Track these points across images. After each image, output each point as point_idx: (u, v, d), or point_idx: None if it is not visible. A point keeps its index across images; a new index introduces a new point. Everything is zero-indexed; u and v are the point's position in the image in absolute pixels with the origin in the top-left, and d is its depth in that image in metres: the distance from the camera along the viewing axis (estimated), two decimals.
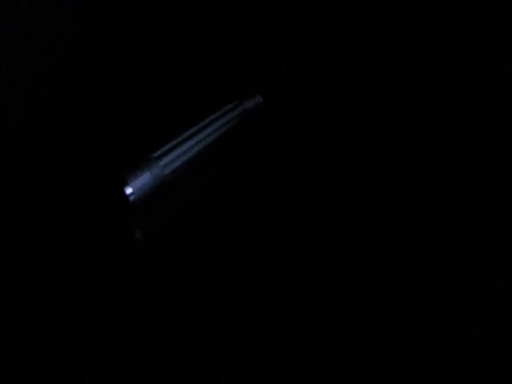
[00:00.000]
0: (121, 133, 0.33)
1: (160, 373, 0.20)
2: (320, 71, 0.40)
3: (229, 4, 0.45)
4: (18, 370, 0.20)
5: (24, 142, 0.32)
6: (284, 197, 0.29)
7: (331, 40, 0.43)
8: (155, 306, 0.23)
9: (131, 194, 0.27)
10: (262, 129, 0.34)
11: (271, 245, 0.26)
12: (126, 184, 0.27)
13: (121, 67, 0.40)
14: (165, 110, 0.35)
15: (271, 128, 0.34)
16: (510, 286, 0.23)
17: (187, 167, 0.30)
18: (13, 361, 0.21)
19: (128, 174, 0.27)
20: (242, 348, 0.21)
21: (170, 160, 0.28)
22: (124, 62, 0.40)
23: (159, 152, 0.28)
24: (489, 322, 0.22)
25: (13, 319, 0.22)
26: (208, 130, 0.31)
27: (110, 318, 0.22)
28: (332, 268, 0.24)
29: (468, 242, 0.26)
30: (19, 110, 0.33)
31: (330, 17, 0.44)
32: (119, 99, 0.36)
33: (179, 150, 0.29)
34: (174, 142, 0.29)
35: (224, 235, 0.26)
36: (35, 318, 0.22)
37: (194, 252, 0.25)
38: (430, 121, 0.34)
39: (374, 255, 0.25)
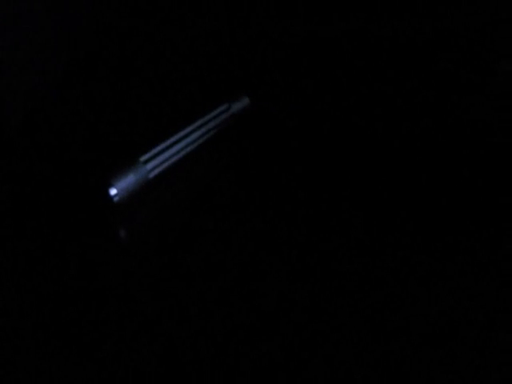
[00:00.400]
0: (108, 135, 0.33)
1: (150, 374, 0.20)
2: (309, 73, 0.41)
3: (218, 7, 0.45)
4: (6, 373, 0.20)
5: (16, 142, 0.33)
6: (271, 200, 0.29)
7: (321, 42, 0.44)
8: (140, 305, 0.23)
9: (115, 195, 0.27)
10: (249, 131, 0.35)
11: (257, 246, 0.26)
12: (110, 185, 0.27)
13: (111, 70, 0.40)
14: (152, 112, 0.36)
15: (259, 130, 0.35)
16: (509, 291, 0.24)
17: (174, 169, 0.31)
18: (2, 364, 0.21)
19: (113, 175, 0.27)
20: (235, 348, 0.21)
21: (157, 163, 0.29)
22: (114, 65, 0.41)
23: (146, 155, 0.29)
24: (487, 325, 0.22)
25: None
26: (196, 134, 0.31)
27: (95, 318, 0.22)
28: (326, 265, 0.25)
29: (465, 247, 0.26)
30: (16, 110, 0.33)
31: (320, 20, 0.44)
32: (107, 102, 0.37)
33: (166, 154, 0.29)
34: (162, 146, 0.30)
35: (209, 236, 0.27)
36: (21, 320, 0.22)
37: (177, 252, 0.26)
38: (422, 124, 0.35)
39: (371, 254, 0.25)
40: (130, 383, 0.19)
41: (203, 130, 0.32)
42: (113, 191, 0.27)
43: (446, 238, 0.27)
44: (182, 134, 0.31)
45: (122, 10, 0.47)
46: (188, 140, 0.31)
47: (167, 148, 0.29)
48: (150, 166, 0.28)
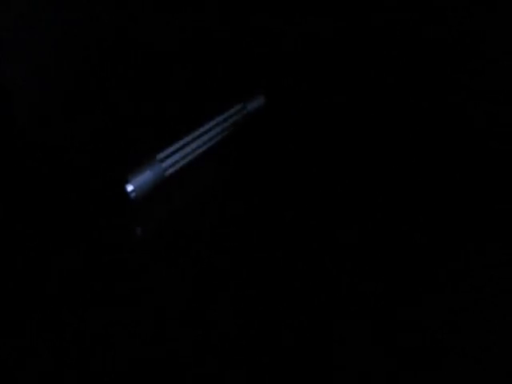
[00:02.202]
0: (126, 133, 0.34)
1: (164, 372, 0.21)
2: (326, 72, 0.41)
3: (235, 5, 0.46)
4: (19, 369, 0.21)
5: (29, 136, 0.34)
6: (287, 198, 0.29)
7: (338, 40, 0.44)
8: (155, 300, 0.24)
9: (132, 191, 0.28)
10: (265, 130, 0.35)
11: (270, 243, 0.26)
12: (127, 181, 0.28)
13: (129, 67, 0.41)
14: (169, 110, 0.36)
15: (274, 129, 0.35)
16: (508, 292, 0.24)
17: (189, 168, 0.31)
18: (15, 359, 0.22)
19: (130, 172, 0.28)
20: (244, 348, 0.22)
21: (173, 161, 0.30)
22: (131, 62, 0.41)
23: (162, 153, 0.29)
24: (487, 326, 0.22)
25: (12, 317, 0.23)
26: (211, 133, 0.32)
27: (110, 314, 0.23)
28: (330, 265, 0.25)
29: (466, 247, 0.26)
30: (27, 103, 0.34)
31: (335, 17, 0.44)
32: (121, 101, 0.37)
33: (182, 152, 0.30)
34: (178, 145, 0.30)
35: (223, 234, 0.27)
36: (33, 316, 0.23)
37: (192, 248, 0.26)
38: (436, 127, 0.35)
39: (377, 258, 0.26)
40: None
41: (219, 128, 0.32)
42: (129, 187, 0.28)
43: (447, 239, 0.27)
44: (197, 132, 0.31)
45: (139, 5, 0.48)
46: (204, 139, 0.31)
47: (183, 146, 0.30)
48: (166, 164, 0.29)
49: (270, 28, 0.47)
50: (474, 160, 0.33)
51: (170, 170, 0.29)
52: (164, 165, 0.29)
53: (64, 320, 0.23)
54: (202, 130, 0.31)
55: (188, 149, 0.30)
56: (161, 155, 0.29)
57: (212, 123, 0.32)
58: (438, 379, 0.20)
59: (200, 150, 0.31)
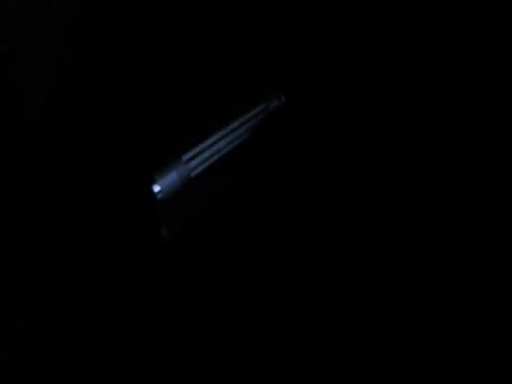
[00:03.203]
0: (152, 133, 0.35)
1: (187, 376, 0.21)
2: (346, 71, 0.41)
3: (256, 6, 0.46)
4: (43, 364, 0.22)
5: (52, 134, 0.34)
6: (311, 201, 0.29)
7: (358, 41, 0.44)
8: (177, 302, 0.24)
9: (159, 191, 0.28)
10: (287, 130, 0.35)
11: (293, 246, 0.27)
12: (154, 182, 0.28)
13: (155, 69, 0.41)
14: (193, 110, 0.36)
15: (296, 129, 0.35)
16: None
17: (214, 167, 0.32)
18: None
19: (157, 172, 0.28)
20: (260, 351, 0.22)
21: (198, 162, 0.30)
22: (156, 63, 0.42)
23: (188, 154, 0.30)
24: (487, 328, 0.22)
25: (34, 316, 0.24)
26: (236, 133, 0.32)
27: (131, 314, 0.24)
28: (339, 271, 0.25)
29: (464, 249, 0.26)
30: (42, 100, 0.35)
31: (354, 13, 0.44)
32: (145, 102, 0.38)
33: (207, 153, 0.30)
34: (203, 145, 0.30)
35: (248, 235, 0.27)
36: (58, 314, 0.24)
37: (217, 249, 0.27)
38: (439, 129, 0.35)
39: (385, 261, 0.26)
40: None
41: (242, 129, 0.32)
42: (156, 188, 0.28)
43: (447, 239, 0.27)
44: (221, 133, 0.31)
45: (156, 6, 0.48)
46: (228, 139, 0.32)
47: (208, 147, 0.30)
48: (192, 164, 0.29)
49: (289, 26, 0.47)
50: (474, 160, 0.33)
51: (197, 171, 0.30)
52: (190, 165, 0.29)
53: (84, 321, 0.23)
54: (226, 130, 0.32)
55: (213, 149, 0.30)
56: (186, 156, 0.29)
57: (236, 123, 0.32)
58: (437, 379, 0.20)
59: (224, 151, 0.31)
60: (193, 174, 0.30)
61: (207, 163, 0.31)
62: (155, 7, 0.48)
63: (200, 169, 0.30)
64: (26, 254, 0.26)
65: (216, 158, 0.31)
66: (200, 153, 0.30)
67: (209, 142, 0.31)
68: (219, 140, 0.31)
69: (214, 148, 0.31)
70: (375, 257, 0.26)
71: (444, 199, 0.30)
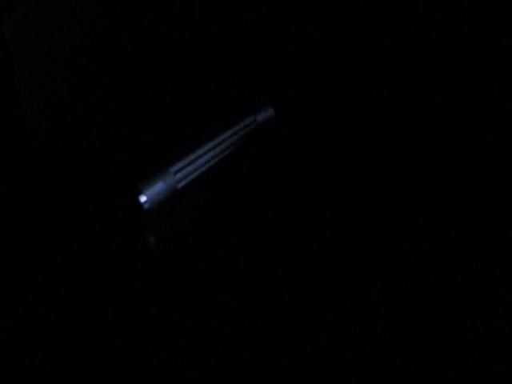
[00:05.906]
0: (138, 144, 0.35)
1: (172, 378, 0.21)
2: (334, 81, 0.41)
3: (242, 16, 0.46)
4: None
5: (44, 147, 0.34)
6: (298, 208, 0.30)
7: (342, 46, 0.44)
8: (165, 311, 0.24)
9: (145, 202, 0.28)
10: (275, 142, 0.36)
11: (279, 252, 0.27)
12: (140, 193, 0.28)
13: (142, 80, 0.41)
14: (180, 122, 0.37)
15: (284, 140, 0.36)
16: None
17: (201, 178, 0.32)
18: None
19: (143, 183, 0.28)
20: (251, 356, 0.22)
21: (185, 173, 0.30)
22: (144, 76, 0.42)
23: (175, 165, 0.30)
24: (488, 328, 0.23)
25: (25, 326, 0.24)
26: (223, 146, 0.32)
27: (121, 323, 0.24)
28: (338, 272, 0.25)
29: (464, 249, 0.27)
30: (41, 114, 0.35)
31: (348, 27, 0.45)
32: (134, 112, 0.38)
33: (194, 165, 0.31)
34: (190, 157, 0.31)
35: (234, 244, 0.28)
36: (48, 324, 0.24)
37: (204, 259, 0.27)
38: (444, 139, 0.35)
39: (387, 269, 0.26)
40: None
41: (230, 141, 0.33)
42: (142, 198, 0.28)
43: (447, 239, 0.28)
44: (209, 145, 0.32)
45: (146, 18, 0.48)
46: (215, 151, 0.32)
47: (195, 159, 0.31)
48: (179, 176, 0.29)
49: (276, 38, 0.47)
50: (474, 161, 0.33)
51: (183, 183, 0.30)
52: (177, 177, 0.29)
53: (76, 324, 0.23)
54: (214, 142, 0.32)
55: (201, 161, 0.31)
56: (174, 168, 0.30)
57: (224, 135, 0.33)
58: (437, 379, 0.21)
59: (212, 163, 0.32)
60: (180, 186, 0.30)
61: (195, 174, 0.31)
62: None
63: (187, 180, 0.30)
64: (11, 271, 0.26)
65: (204, 169, 0.31)
66: (188, 164, 0.30)
67: (197, 153, 0.31)
68: (207, 152, 0.31)
69: (202, 160, 0.31)
70: (375, 257, 0.26)
71: (444, 199, 0.30)
